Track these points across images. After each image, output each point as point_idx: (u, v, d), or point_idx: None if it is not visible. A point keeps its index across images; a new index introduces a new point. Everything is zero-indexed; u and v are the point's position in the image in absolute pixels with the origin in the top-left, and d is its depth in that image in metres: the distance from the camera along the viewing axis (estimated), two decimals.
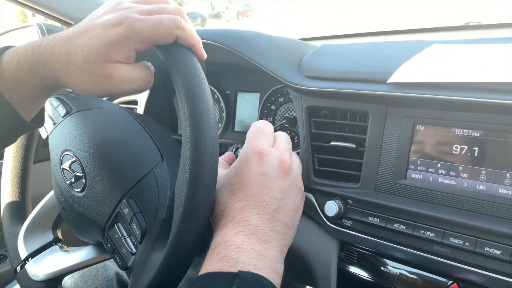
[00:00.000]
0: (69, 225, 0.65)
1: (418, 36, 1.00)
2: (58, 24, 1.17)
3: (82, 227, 0.62)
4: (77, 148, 0.60)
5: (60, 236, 0.72)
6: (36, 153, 0.78)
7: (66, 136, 0.62)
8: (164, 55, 0.46)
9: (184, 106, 0.44)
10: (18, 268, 0.68)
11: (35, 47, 0.45)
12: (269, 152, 0.50)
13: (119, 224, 0.55)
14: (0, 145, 0.52)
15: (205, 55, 0.51)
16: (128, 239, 0.54)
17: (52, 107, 0.67)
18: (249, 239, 0.43)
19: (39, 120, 0.53)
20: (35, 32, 1.24)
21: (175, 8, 0.48)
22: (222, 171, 0.53)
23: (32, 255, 0.68)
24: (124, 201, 0.54)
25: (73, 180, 0.60)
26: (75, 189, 0.60)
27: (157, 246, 0.50)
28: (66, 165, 0.61)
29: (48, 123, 0.67)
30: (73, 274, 0.78)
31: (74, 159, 0.60)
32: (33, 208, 0.73)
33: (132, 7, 0.47)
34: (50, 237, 0.70)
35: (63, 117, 0.65)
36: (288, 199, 0.49)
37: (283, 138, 0.56)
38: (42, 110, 0.53)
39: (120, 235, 0.54)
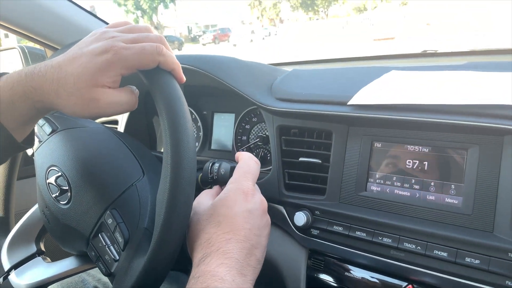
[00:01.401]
0: (53, 237, 0.68)
1: (380, 62, 1.09)
2: (40, 47, 1.21)
3: (66, 238, 0.65)
4: (62, 164, 0.64)
5: (43, 248, 0.75)
6: (19, 170, 0.81)
7: (52, 153, 0.67)
8: (147, 79, 0.52)
9: (166, 124, 0.49)
10: (1, 279, 0.71)
11: (28, 73, 0.49)
12: (254, 193, 0.55)
13: (103, 233, 0.59)
14: None
15: (184, 78, 0.56)
16: (111, 247, 0.58)
17: (38, 125, 0.71)
18: (230, 271, 0.47)
19: (30, 140, 0.57)
20: (17, 55, 1.27)
21: (157, 36, 0.52)
22: (208, 202, 0.56)
23: (15, 266, 0.70)
24: (108, 212, 0.58)
25: (58, 194, 0.64)
26: (61, 202, 0.63)
27: (139, 253, 0.54)
28: (52, 180, 0.65)
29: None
30: (52, 286, 0.80)
31: (59, 173, 0.64)
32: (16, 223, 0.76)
33: (117, 36, 0.51)
34: (33, 249, 0.73)
35: (48, 135, 0.69)
36: (263, 236, 0.54)
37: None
38: (33, 132, 0.57)
39: (104, 244, 0.58)
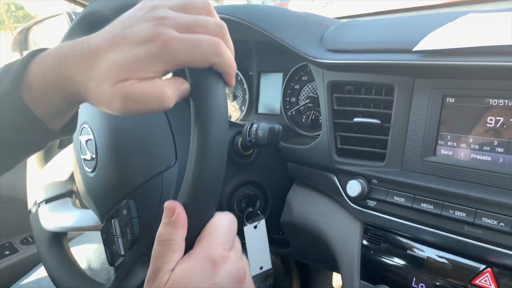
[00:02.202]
0: (79, 196, 0.65)
1: (455, 9, 0.93)
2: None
3: (87, 204, 0.62)
4: (94, 125, 0.59)
5: (74, 189, 0.73)
6: None
7: (87, 106, 0.61)
8: (192, 76, 0.42)
9: (196, 135, 0.40)
10: (35, 208, 0.69)
11: (62, 58, 0.41)
12: (226, 260, 0.42)
13: (116, 220, 0.54)
14: (31, 152, 0.50)
15: (234, 83, 0.44)
16: (119, 239, 0.53)
17: None
18: None
19: (70, 128, 0.50)
20: (65, 21, 1.26)
21: (217, 25, 0.41)
22: (169, 265, 0.41)
23: (47, 201, 0.69)
24: (125, 201, 0.52)
25: (87, 158, 0.59)
26: (87, 168, 0.59)
27: (144, 260, 0.48)
28: (83, 139, 0.60)
29: None
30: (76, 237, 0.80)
31: (90, 136, 0.59)
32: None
33: (168, 17, 0.40)
34: (66, 188, 0.71)
35: None
36: None
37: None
38: (73, 119, 0.50)
39: (114, 233, 0.53)
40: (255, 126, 0.61)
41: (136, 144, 0.56)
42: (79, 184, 0.62)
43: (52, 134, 0.46)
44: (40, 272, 0.87)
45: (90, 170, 0.58)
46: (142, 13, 0.41)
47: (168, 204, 0.41)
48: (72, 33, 0.65)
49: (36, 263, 0.92)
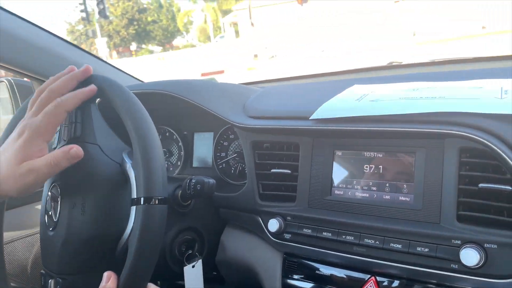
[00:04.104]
0: None
1: (345, 76, 1.18)
2: (27, 79, 1.28)
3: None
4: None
5: None
6: None
7: None
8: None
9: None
10: None
11: None
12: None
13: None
14: None
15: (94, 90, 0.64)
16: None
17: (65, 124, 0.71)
18: None
19: None
20: (5, 88, 1.32)
21: (53, 104, 0.60)
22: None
23: None
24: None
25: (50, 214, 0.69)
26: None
27: None
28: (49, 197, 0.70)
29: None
30: None
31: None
32: None
33: (27, 117, 0.61)
34: None
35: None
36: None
37: None
38: None
39: None
40: (193, 181, 0.75)
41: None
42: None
43: None
44: None
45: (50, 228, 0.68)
46: (13, 134, 0.61)
47: (105, 274, 0.58)
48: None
49: None
